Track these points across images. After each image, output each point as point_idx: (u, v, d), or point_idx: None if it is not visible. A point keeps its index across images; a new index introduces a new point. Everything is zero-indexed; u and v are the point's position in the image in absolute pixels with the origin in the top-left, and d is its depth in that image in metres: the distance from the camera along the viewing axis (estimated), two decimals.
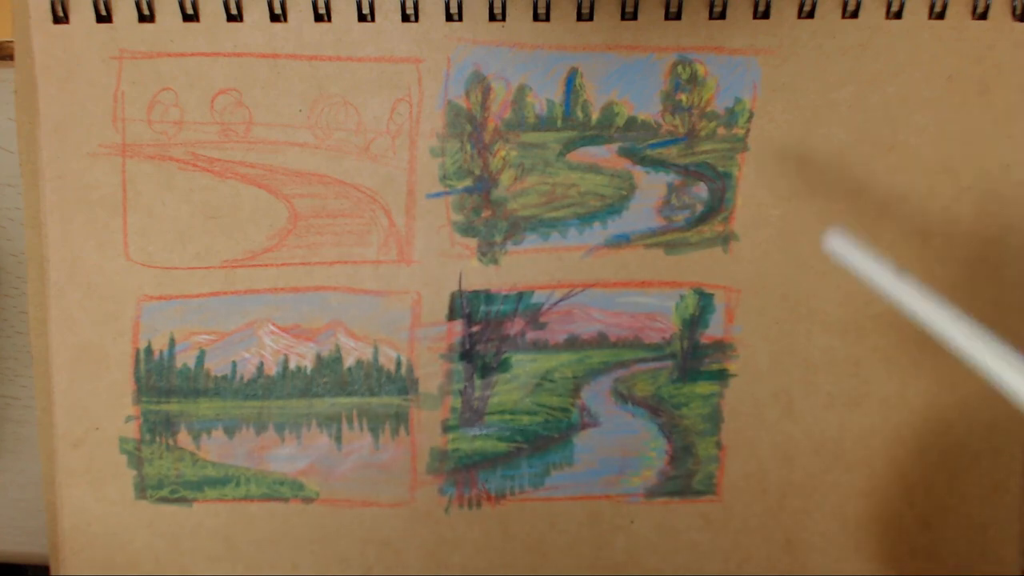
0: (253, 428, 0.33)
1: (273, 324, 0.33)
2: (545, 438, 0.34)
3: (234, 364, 0.33)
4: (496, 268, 0.32)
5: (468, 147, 0.32)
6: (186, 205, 0.32)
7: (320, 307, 0.33)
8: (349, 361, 0.33)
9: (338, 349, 0.33)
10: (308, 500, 0.34)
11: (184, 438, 0.33)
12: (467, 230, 0.32)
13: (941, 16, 0.31)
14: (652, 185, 0.32)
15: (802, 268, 0.33)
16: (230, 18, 0.30)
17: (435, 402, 0.33)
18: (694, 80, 0.31)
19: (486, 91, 0.31)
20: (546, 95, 0.31)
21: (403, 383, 0.33)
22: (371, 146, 0.32)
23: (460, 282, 0.33)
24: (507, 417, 0.33)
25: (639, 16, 0.31)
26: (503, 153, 0.32)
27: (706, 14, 0.31)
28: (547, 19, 0.31)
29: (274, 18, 0.31)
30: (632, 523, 0.34)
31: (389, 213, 0.32)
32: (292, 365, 0.33)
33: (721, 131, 0.32)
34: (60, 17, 0.30)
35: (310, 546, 0.34)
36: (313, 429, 0.33)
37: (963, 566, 0.34)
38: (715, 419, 0.33)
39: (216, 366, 0.33)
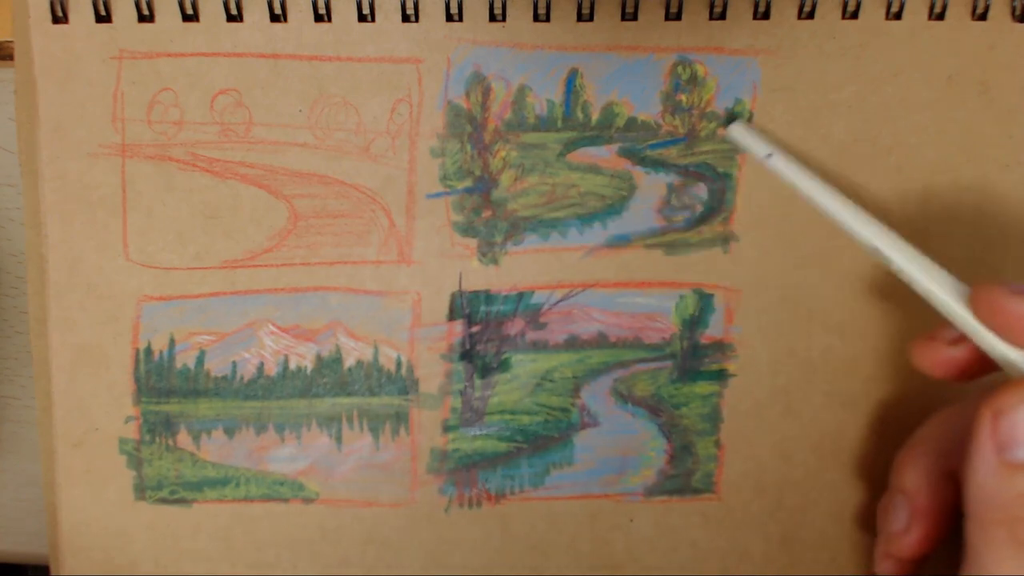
0: (253, 428, 0.33)
1: (273, 324, 0.33)
2: (545, 438, 0.34)
3: (234, 364, 0.33)
4: (496, 268, 0.32)
5: (468, 147, 0.32)
6: (186, 205, 0.32)
7: (320, 307, 0.33)
8: (349, 361, 0.33)
9: (338, 349, 0.33)
10: (308, 500, 0.34)
11: (184, 438, 0.33)
12: (467, 230, 0.32)
13: (941, 17, 0.31)
14: (652, 186, 0.32)
15: (802, 268, 0.33)
16: (230, 18, 0.30)
17: (435, 402, 0.33)
18: (694, 80, 0.31)
19: (486, 91, 0.31)
20: (546, 95, 0.31)
21: (403, 383, 0.33)
22: (371, 146, 0.32)
23: (460, 282, 0.33)
24: (507, 417, 0.33)
25: (639, 16, 0.31)
26: (503, 153, 0.32)
27: (706, 14, 0.31)
28: (547, 19, 0.31)
29: (274, 18, 0.30)
30: (632, 522, 0.34)
31: (389, 213, 0.32)
32: (292, 365, 0.33)
33: (721, 131, 0.32)
34: (59, 17, 0.30)
35: (310, 546, 0.34)
36: (313, 429, 0.33)
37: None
38: (714, 419, 0.34)
39: (216, 366, 0.33)
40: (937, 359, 0.29)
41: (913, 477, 0.29)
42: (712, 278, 0.33)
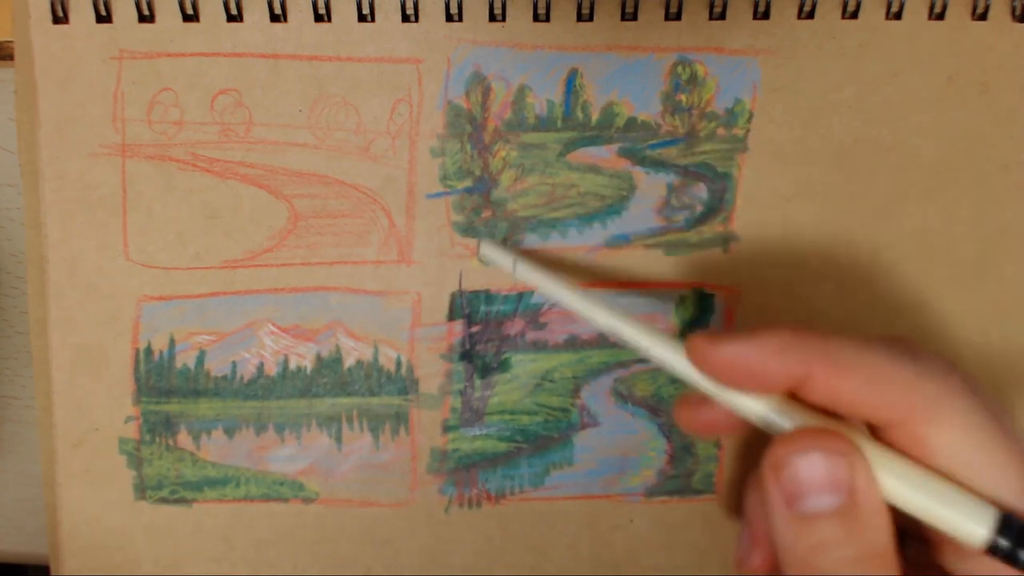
0: (253, 428, 0.33)
1: (273, 324, 0.33)
2: (545, 438, 0.34)
3: (234, 364, 0.33)
4: (496, 268, 0.32)
5: (468, 147, 0.32)
6: (186, 205, 0.32)
7: (320, 307, 0.33)
8: (349, 361, 0.33)
9: (338, 349, 0.33)
10: (308, 500, 0.34)
11: (184, 438, 0.33)
12: (467, 230, 0.32)
13: (941, 17, 0.31)
14: (652, 186, 0.32)
15: (802, 268, 0.33)
16: (230, 18, 0.30)
17: (435, 402, 0.33)
18: (694, 80, 0.31)
19: (486, 91, 0.31)
20: (546, 95, 0.31)
21: (403, 383, 0.33)
22: (371, 146, 0.32)
23: (460, 282, 0.33)
24: (507, 417, 0.33)
25: (639, 16, 0.31)
26: (503, 153, 0.32)
27: (706, 14, 0.31)
28: (547, 19, 0.31)
29: (274, 18, 0.30)
30: (632, 522, 0.34)
31: (389, 213, 0.32)
32: (292, 365, 0.33)
33: (721, 131, 0.32)
34: (60, 17, 0.30)
35: (310, 546, 0.34)
36: (313, 429, 0.33)
37: None
38: None
39: (216, 366, 0.33)
40: (696, 423, 0.28)
41: (752, 503, 0.28)
42: (712, 278, 0.33)
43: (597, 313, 0.28)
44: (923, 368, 0.23)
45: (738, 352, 0.24)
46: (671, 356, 0.26)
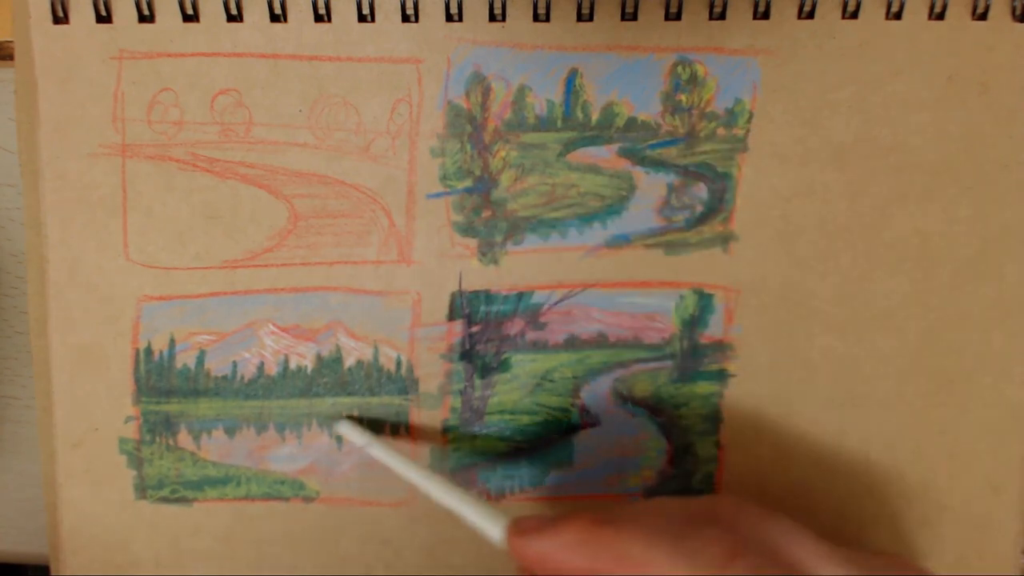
0: (253, 428, 0.33)
1: (273, 324, 0.33)
2: (545, 438, 0.34)
3: (234, 364, 0.33)
4: (496, 268, 0.32)
5: (468, 147, 0.32)
6: (186, 205, 0.32)
7: (320, 307, 0.33)
8: (349, 361, 0.33)
9: (338, 349, 0.33)
10: (308, 500, 0.34)
11: (184, 438, 0.33)
12: (467, 230, 0.32)
13: (941, 17, 0.31)
14: (652, 185, 0.32)
15: (802, 268, 0.33)
16: (230, 18, 0.30)
17: (435, 402, 0.33)
18: (694, 80, 0.31)
19: (486, 91, 0.31)
20: (546, 95, 0.31)
21: (403, 383, 0.33)
22: (371, 146, 0.32)
23: (460, 282, 0.33)
24: (507, 417, 0.33)
25: (639, 16, 0.31)
26: (503, 153, 0.32)
27: (706, 14, 0.31)
28: (547, 19, 0.31)
29: (274, 18, 0.31)
30: None
31: (389, 213, 0.32)
32: (292, 365, 0.33)
33: (721, 131, 0.32)
34: (60, 17, 0.30)
35: (310, 545, 0.34)
36: (313, 429, 0.33)
37: (962, 566, 0.34)
38: (714, 419, 0.33)
39: (216, 366, 0.33)
40: None
41: None
42: (712, 278, 0.33)
43: (441, 492, 0.29)
44: (701, 562, 0.24)
45: (540, 547, 0.26)
46: (496, 533, 0.28)
